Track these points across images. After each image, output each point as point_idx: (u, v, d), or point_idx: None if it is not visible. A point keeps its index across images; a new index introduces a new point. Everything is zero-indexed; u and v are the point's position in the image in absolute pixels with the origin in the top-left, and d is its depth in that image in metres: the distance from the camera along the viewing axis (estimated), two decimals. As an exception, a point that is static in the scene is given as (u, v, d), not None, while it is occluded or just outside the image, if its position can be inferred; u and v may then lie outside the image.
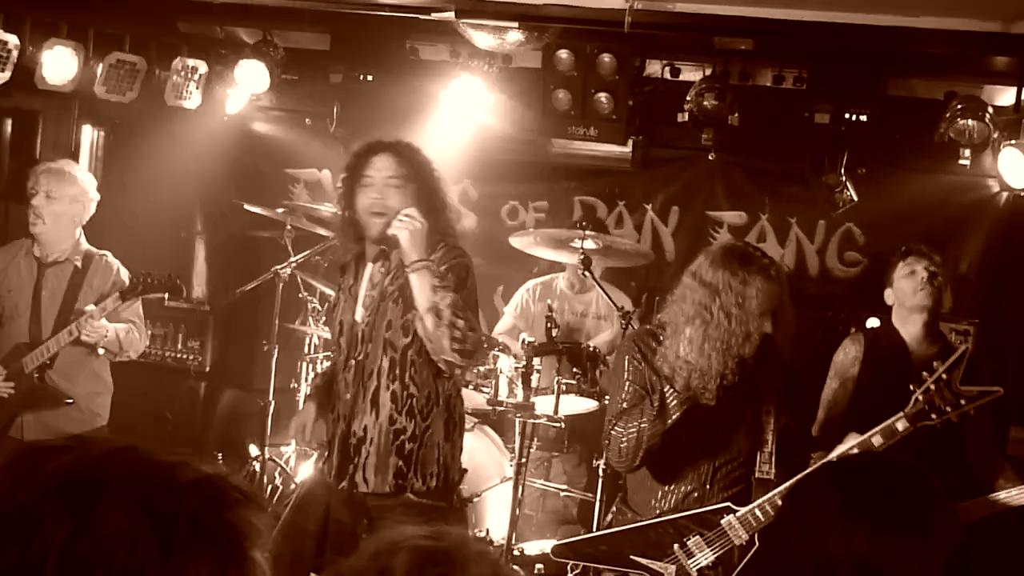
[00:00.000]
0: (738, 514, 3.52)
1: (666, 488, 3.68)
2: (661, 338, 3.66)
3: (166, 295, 4.88)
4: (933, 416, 3.41)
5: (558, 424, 5.21)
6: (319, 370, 6.14)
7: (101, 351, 4.84)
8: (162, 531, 1.08)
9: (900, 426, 3.44)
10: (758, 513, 3.49)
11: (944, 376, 3.41)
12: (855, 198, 6.26)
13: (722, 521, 3.54)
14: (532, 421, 5.04)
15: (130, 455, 1.15)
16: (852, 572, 1.84)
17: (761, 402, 3.68)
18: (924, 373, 3.45)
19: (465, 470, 5.06)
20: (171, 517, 1.09)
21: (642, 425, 3.55)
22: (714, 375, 3.50)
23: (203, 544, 1.10)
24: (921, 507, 1.91)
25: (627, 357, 3.74)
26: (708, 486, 3.64)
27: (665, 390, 3.55)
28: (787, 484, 3.27)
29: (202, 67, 6.44)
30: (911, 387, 3.46)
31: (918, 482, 1.97)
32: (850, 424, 3.93)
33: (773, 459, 3.61)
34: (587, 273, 5.35)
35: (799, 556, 1.95)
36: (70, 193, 4.83)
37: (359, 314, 3.72)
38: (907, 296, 4.55)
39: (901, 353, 4.58)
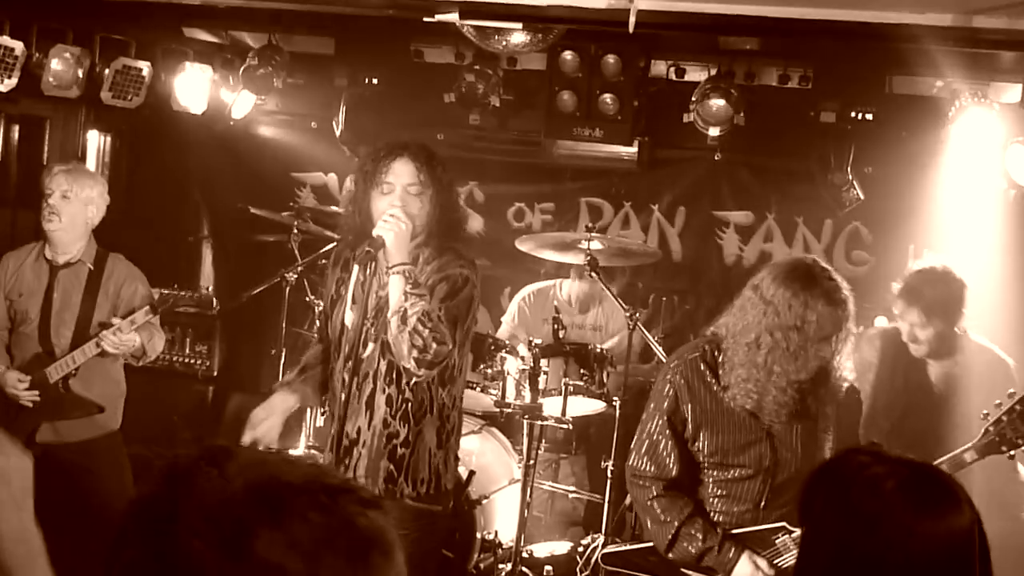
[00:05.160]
0: (794, 535, 3.38)
1: (718, 507, 3.55)
2: (718, 355, 3.53)
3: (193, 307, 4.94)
4: (1004, 448, 3.33)
5: (566, 426, 5.19)
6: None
7: (128, 358, 4.87)
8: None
9: (968, 457, 3.35)
10: None
11: (1018, 407, 3.31)
12: (862, 197, 6.25)
13: (777, 540, 3.42)
14: (540, 423, 5.03)
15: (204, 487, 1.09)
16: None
17: (819, 420, 3.56)
18: (997, 402, 3.35)
19: (473, 472, 5.08)
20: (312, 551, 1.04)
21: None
22: (771, 396, 3.39)
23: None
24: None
25: (669, 387, 3.58)
26: (762, 507, 3.52)
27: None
28: None
29: (208, 72, 6.45)
30: (981, 416, 3.35)
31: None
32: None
33: None
34: (594, 275, 5.34)
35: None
36: (85, 195, 4.85)
37: (348, 317, 3.70)
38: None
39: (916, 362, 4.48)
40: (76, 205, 4.82)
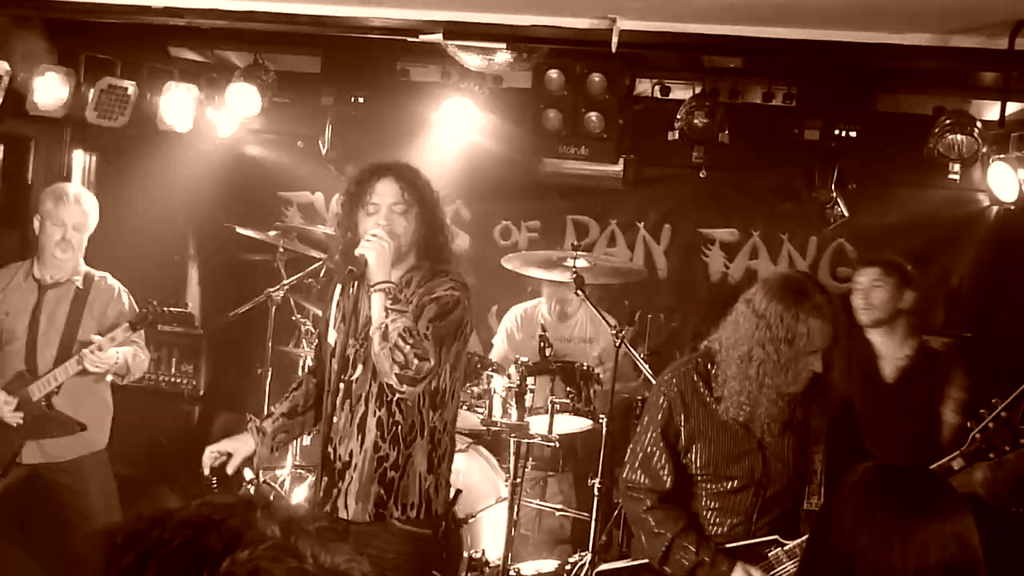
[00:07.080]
0: (786, 547, 3.40)
1: (712, 520, 3.56)
2: (711, 368, 3.56)
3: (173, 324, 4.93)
4: (991, 455, 3.32)
5: (553, 444, 5.19)
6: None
7: (110, 377, 4.86)
8: None
9: (956, 465, 3.34)
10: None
11: (1004, 414, 3.30)
12: (846, 214, 6.28)
13: (769, 554, 3.42)
14: (527, 441, 5.02)
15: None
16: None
17: (810, 432, 3.56)
18: (982, 411, 3.35)
19: (459, 491, 5.07)
20: None
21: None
22: (763, 408, 3.42)
23: None
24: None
25: (664, 399, 3.61)
26: (755, 519, 3.53)
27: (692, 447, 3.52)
28: None
29: (193, 91, 6.45)
30: (968, 424, 3.36)
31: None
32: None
33: (822, 490, 3.48)
34: (579, 292, 5.35)
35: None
36: (91, 223, 4.91)
37: (331, 336, 3.70)
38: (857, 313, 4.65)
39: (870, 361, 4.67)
40: (83, 233, 4.87)
